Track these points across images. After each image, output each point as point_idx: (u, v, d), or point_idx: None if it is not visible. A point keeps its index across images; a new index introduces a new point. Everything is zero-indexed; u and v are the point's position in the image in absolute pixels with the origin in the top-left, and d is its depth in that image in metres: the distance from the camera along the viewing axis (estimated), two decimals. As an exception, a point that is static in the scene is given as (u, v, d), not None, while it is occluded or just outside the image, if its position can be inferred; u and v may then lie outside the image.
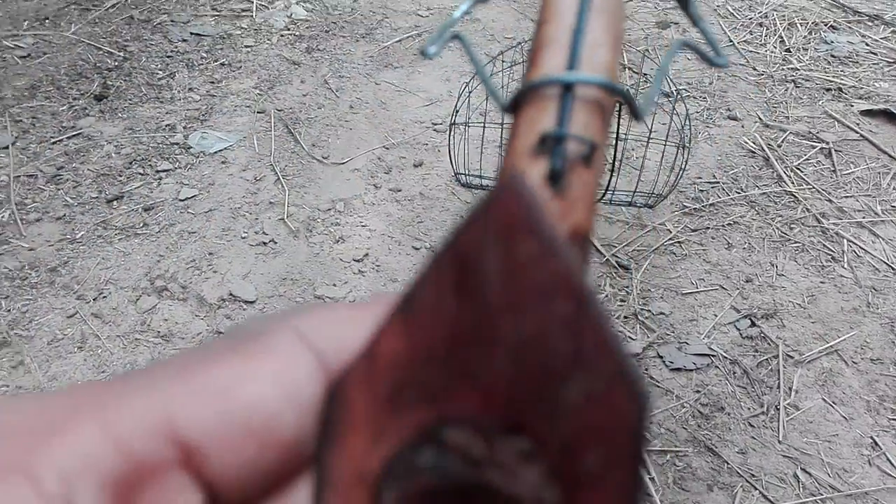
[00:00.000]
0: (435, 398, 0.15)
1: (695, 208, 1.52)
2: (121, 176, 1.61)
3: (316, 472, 0.16)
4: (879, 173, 1.61)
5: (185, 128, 1.75)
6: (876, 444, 1.13)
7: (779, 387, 1.20)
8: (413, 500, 0.15)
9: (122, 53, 2.01)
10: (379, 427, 0.16)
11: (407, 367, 0.15)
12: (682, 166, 1.29)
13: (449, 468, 0.15)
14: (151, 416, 0.15)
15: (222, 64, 1.98)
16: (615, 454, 0.14)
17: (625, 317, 1.32)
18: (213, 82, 1.92)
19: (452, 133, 1.42)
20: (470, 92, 1.37)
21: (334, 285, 1.38)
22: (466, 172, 1.45)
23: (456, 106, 1.40)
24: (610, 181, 1.30)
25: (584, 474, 0.14)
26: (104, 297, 1.36)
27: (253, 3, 2.23)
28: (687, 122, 1.28)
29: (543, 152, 0.17)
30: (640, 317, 1.32)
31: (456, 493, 0.15)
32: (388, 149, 1.70)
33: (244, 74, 1.94)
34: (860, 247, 1.44)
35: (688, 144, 1.25)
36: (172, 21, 2.17)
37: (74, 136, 1.72)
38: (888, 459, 1.11)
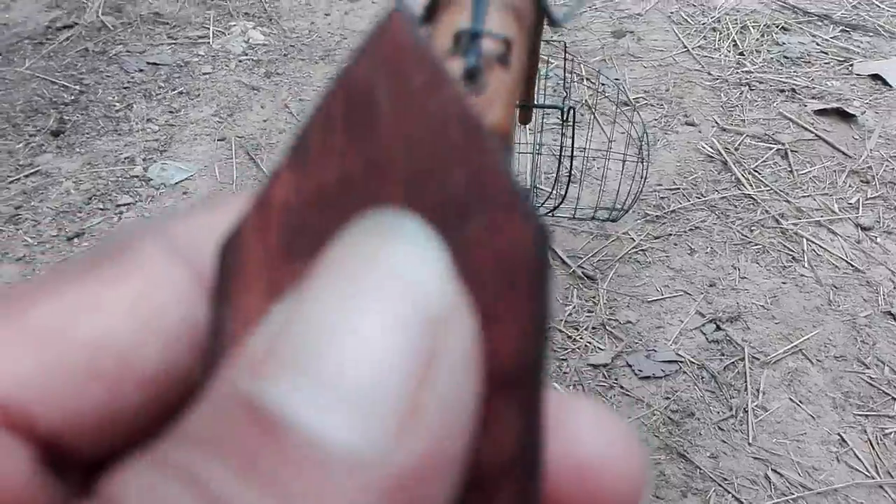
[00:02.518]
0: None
1: (657, 216, 1.54)
2: (81, 212, 1.60)
3: (210, 336, 0.15)
4: (835, 171, 1.64)
5: (144, 160, 1.74)
6: (843, 440, 1.15)
7: (746, 389, 1.22)
8: None
9: (77, 87, 1.99)
10: (273, 279, 0.15)
11: (300, 212, 0.15)
12: (642, 180, 1.30)
13: None
14: None
15: (180, 93, 1.97)
16: (517, 286, 0.14)
17: (593, 327, 1.33)
18: (171, 112, 1.90)
19: None
20: None
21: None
22: None
23: None
24: (566, 193, 1.31)
25: (488, 310, 0.14)
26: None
27: (209, 29, 2.22)
28: (645, 136, 1.30)
29: (459, 51, 0.17)
30: (607, 326, 1.33)
31: None
32: (350, 171, 1.70)
33: (203, 102, 1.93)
34: (819, 245, 1.46)
35: (646, 159, 1.26)
36: (128, 51, 2.15)
37: (32, 173, 1.70)
38: (855, 455, 1.12)
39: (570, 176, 1.27)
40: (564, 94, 1.29)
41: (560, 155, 1.34)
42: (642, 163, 1.26)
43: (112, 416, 0.14)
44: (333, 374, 0.11)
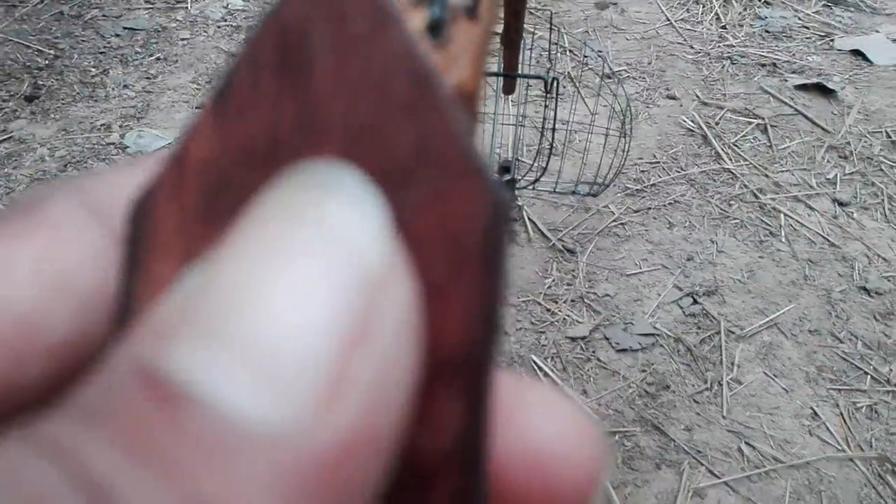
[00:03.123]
0: None
1: (636, 189, 1.54)
2: (56, 180, 1.57)
3: (118, 304, 0.13)
4: (813, 147, 1.65)
5: (121, 127, 1.71)
6: (815, 414, 1.17)
7: (721, 362, 1.23)
8: None
9: (52, 51, 1.94)
10: (190, 245, 0.13)
11: (222, 169, 0.13)
12: (624, 155, 1.30)
13: None
14: None
15: (158, 59, 1.93)
16: (467, 262, 0.12)
17: (572, 300, 1.34)
18: (148, 78, 1.87)
19: None
20: None
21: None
22: None
23: None
24: (548, 166, 1.30)
25: (433, 285, 0.12)
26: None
27: (187, -6, 2.18)
28: (628, 110, 1.29)
29: (424, 2, 0.16)
30: (586, 299, 1.33)
31: None
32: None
33: (181, 69, 1.90)
34: (796, 220, 1.48)
35: (629, 134, 1.26)
36: (104, 16, 2.10)
37: (5, 139, 1.66)
38: (827, 429, 1.15)
39: (551, 148, 1.26)
40: (549, 65, 1.28)
41: (542, 127, 1.33)
42: (624, 137, 1.26)
43: (11, 387, 0.12)
44: (248, 338, 0.09)
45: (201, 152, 0.13)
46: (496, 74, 0.93)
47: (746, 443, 1.13)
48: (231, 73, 0.13)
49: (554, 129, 1.20)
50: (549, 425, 0.13)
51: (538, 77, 0.98)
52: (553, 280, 1.37)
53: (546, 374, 1.22)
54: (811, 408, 1.17)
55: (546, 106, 1.58)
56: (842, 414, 1.16)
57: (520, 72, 1.06)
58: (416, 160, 0.12)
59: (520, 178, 1.39)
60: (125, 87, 1.83)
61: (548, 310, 1.32)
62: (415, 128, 0.12)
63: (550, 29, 1.27)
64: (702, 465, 1.10)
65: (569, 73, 1.83)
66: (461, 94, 0.16)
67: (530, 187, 1.36)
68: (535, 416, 0.13)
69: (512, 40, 0.86)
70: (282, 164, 0.12)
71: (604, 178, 1.30)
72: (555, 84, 0.96)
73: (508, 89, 1.11)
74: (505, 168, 1.28)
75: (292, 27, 0.13)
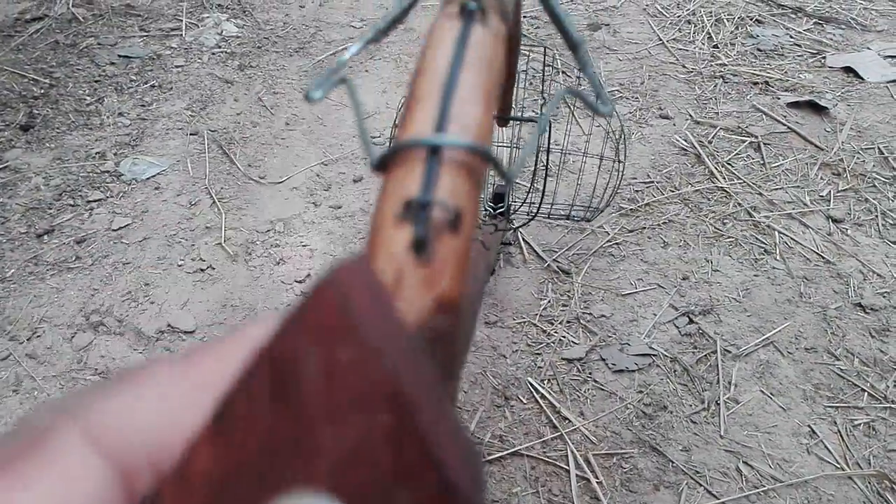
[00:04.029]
0: None
1: (631, 209, 1.54)
2: (51, 209, 1.57)
3: None
4: (807, 164, 1.66)
5: (115, 154, 1.71)
6: (813, 432, 1.16)
7: (718, 382, 1.23)
8: None
9: (47, 80, 1.96)
10: None
11: (222, 484, 0.14)
12: (619, 179, 1.30)
13: None
14: None
15: (152, 86, 1.95)
16: None
17: (568, 321, 1.33)
18: (143, 105, 1.88)
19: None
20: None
21: (276, 308, 1.37)
22: None
23: (393, 126, 1.37)
24: (542, 200, 1.30)
25: None
26: (38, 336, 1.32)
27: (182, 21, 2.19)
28: (623, 135, 1.30)
29: (408, 219, 0.16)
30: (582, 320, 1.33)
31: None
32: (326, 165, 1.69)
33: (175, 96, 1.91)
34: (791, 238, 1.48)
35: (623, 160, 1.26)
36: (100, 44, 2.12)
37: (1, 169, 1.67)
38: (825, 447, 1.14)
39: (545, 177, 1.26)
40: (543, 100, 1.28)
41: (535, 165, 1.33)
42: (619, 162, 1.26)
43: None
44: None
45: (203, 466, 0.14)
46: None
47: (745, 462, 1.12)
48: (229, 394, 0.14)
49: (548, 161, 1.20)
50: None
51: (532, 120, 0.99)
52: (548, 301, 1.37)
53: (543, 397, 1.21)
54: (809, 426, 1.16)
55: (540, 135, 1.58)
56: (839, 432, 1.15)
57: (514, 112, 1.07)
58: (395, 480, 0.13)
59: (516, 202, 1.40)
60: (120, 114, 1.84)
61: (543, 331, 1.32)
62: (395, 453, 0.13)
63: (545, 61, 1.27)
64: (700, 485, 1.09)
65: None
66: (444, 304, 0.16)
67: (528, 218, 1.36)
68: None
69: (505, 83, 0.87)
70: (275, 480, 0.13)
71: (598, 202, 1.30)
72: (548, 126, 0.97)
73: (502, 123, 1.12)
74: (499, 196, 1.29)
75: (286, 355, 0.14)
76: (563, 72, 1.94)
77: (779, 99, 1.85)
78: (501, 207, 1.27)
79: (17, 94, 1.91)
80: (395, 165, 0.18)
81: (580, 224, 1.50)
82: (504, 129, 1.50)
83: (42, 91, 1.92)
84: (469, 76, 0.19)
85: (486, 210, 1.28)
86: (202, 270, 1.43)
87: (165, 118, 1.83)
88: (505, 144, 1.60)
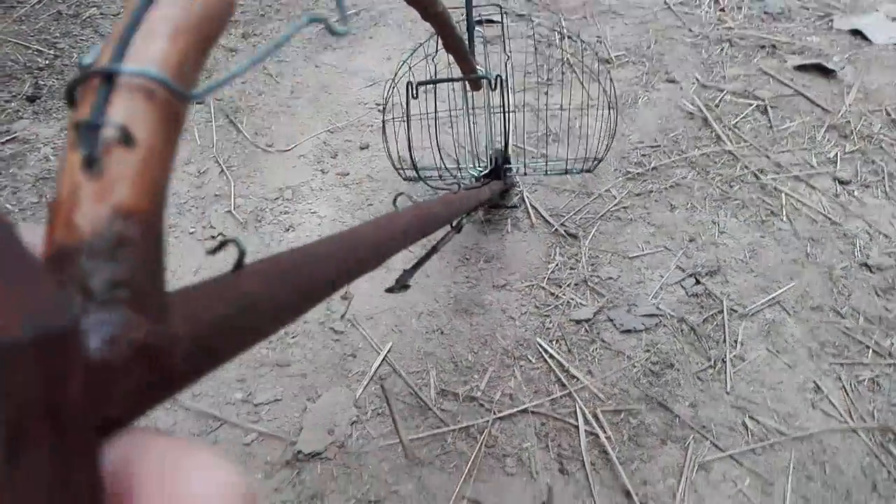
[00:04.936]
0: None
1: (638, 173, 1.55)
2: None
3: None
4: (813, 126, 1.65)
5: (123, 124, 1.72)
6: (818, 387, 1.18)
7: (725, 340, 1.24)
8: None
9: (52, 51, 1.96)
10: None
11: None
12: (613, 128, 1.30)
13: None
14: None
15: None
16: None
17: (575, 284, 1.35)
18: (149, 75, 1.88)
19: (386, 131, 1.37)
20: (394, 86, 1.31)
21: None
22: (406, 167, 1.40)
23: (384, 104, 1.36)
24: (506, 155, 1.31)
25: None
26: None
27: (185, -9, 2.18)
28: (611, 84, 1.30)
29: (80, 140, 0.18)
30: (589, 283, 1.34)
31: None
32: (332, 133, 1.69)
33: (181, 65, 1.91)
34: (797, 199, 1.48)
35: (615, 106, 1.27)
36: (102, 14, 2.11)
37: (9, 140, 1.68)
38: (830, 402, 1.15)
39: (506, 142, 1.25)
40: (507, 56, 1.28)
41: (506, 120, 1.34)
42: (612, 110, 1.26)
43: None
44: None
45: None
46: (443, 81, 0.96)
47: (750, 417, 1.14)
48: None
49: (508, 120, 1.20)
50: (199, 486, 0.15)
51: (482, 77, 0.99)
52: (556, 265, 1.38)
53: (552, 357, 1.23)
54: (814, 382, 1.18)
55: (545, 94, 1.58)
56: (844, 387, 1.17)
57: (479, 69, 1.08)
58: None
59: (514, 166, 1.40)
60: (127, 84, 1.84)
61: (552, 294, 1.33)
62: None
63: (535, 41, 1.27)
64: (706, 439, 1.11)
65: (567, 59, 1.84)
66: (126, 213, 0.17)
67: (522, 173, 1.37)
68: (191, 475, 0.15)
69: (451, 46, 0.88)
70: None
71: (595, 154, 1.31)
72: (498, 81, 0.98)
73: (474, 87, 1.13)
74: (499, 159, 1.30)
75: None
76: (568, 37, 1.93)
77: (786, 62, 1.84)
78: (507, 167, 1.29)
79: (21, 65, 1.91)
80: (80, 96, 0.19)
81: (587, 184, 1.51)
82: (507, 90, 1.50)
83: (47, 62, 1.92)
84: (159, 13, 0.20)
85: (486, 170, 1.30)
86: (213, 238, 1.45)
87: (172, 87, 1.83)
88: (506, 112, 1.61)
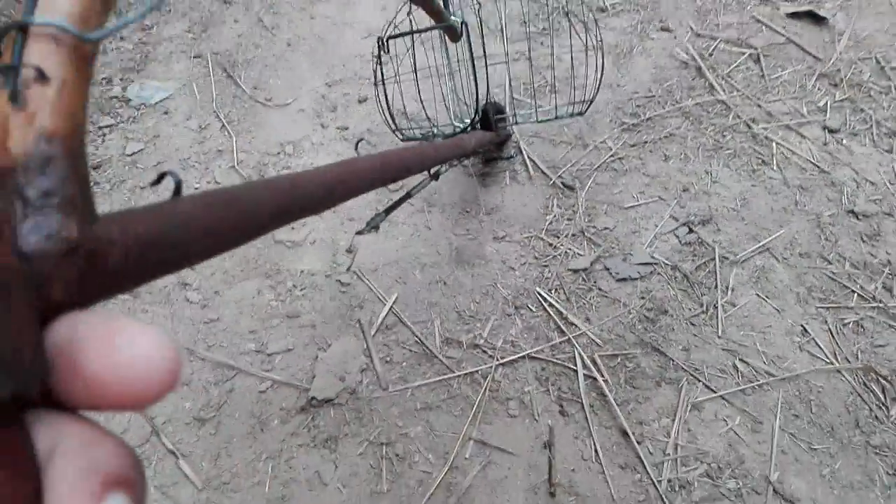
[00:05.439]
0: None
1: (633, 124, 1.58)
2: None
3: None
4: (805, 75, 1.68)
5: (122, 80, 1.72)
6: (805, 331, 1.24)
7: (716, 287, 1.29)
8: None
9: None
10: None
11: None
12: (600, 68, 1.31)
13: None
14: None
15: (150, 8, 1.93)
16: None
17: (573, 234, 1.39)
18: (143, 29, 1.87)
19: (379, 91, 1.36)
20: (383, 45, 1.31)
21: (293, 228, 1.42)
22: (402, 128, 1.41)
23: (374, 66, 1.34)
24: (478, 108, 1.33)
25: None
26: (64, 258, 1.37)
27: (175, -60, 2.15)
28: (595, 27, 1.31)
29: (6, 80, 0.21)
30: (586, 233, 1.39)
31: None
32: (330, 86, 1.71)
33: (175, 18, 1.90)
34: (788, 148, 1.52)
35: (599, 47, 1.29)
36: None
37: (8, 96, 1.68)
38: (817, 344, 1.22)
39: (476, 86, 1.27)
40: (477, 4, 1.30)
41: (486, 66, 1.35)
42: (599, 51, 1.28)
43: None
44: None
45: None
46: (411, 33, 0.99)
47: (741, 359, 1.20)
48: None
49: (481, 66, 1.22)
50: (137, 345, 0.18)
51: (445, 26, 1.01)
52: (554, 216, 1.42)
53: (551, 305, 1.28)
54: (801, 325, 1.24)
55: (530, 38, 1.59)
56: (830, 330, 1.23)
57: (451, 13, 1.10)
58: None
59: (510, 115, 1.42)
60: (121, 39, 1.84)
61: (550, 244, 1.38)
62: None
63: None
64: (699, 381, 1.17)
65: (563, 7, 1.84)
66: (53, 135, 0.21)
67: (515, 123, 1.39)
68: (127, 341, 0.18)
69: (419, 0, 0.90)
70: None
71: (584, 96, 1.33)
72: (464, 27, 1.01)
73: (453, 37, 1.14)
74: (488, 109, 1.32)
75: None
76: (563, -14, 1.93)
77: (778, 9, 1.86)
78: (500, 117, 1.32)
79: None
80: (3, 46, 0.23)
81: (583, 135, 1.54)
82: (503, 38, 1.51)
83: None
84: None
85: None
86: (218, 192, 1.47)
87: (167, 41, 1.83)
88: (501, 62, 1.62)
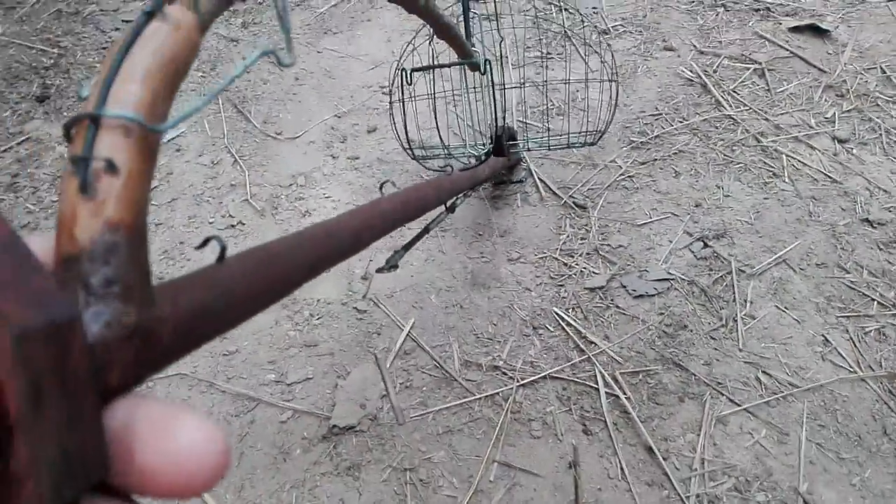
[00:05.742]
0: None
1: (641, 142, 1.59)
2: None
3: None
4: (811, 87, 1.69)
5: (134, 119, 1.75)
6: (827, 340, 1.22)
7: (734, 300, 1.29)
8: None
9: (56, 50, 1.98)
10: None
11: None
12: (614, 99, 1.33)
13: None
14: None
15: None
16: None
17: (587, 253, 1.39)
18: (154, 70, 1.90)
19: (394, 111, 1.39)
20: (401, 66, 1.34)
21: (306, 257, 1.42)
22: (415, 147, 1.42)
23: (390, 87, 1.38)
24: (501, 133, 1.34)
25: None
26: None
27: (182, -17, 2.20)
28: (612, 58, 1.33)
29: (77, 170, 0.22)
30: (601, 251, 1.39)
31: None
32: (339, 117, 1.73)
33: (185, 58, 1.93)
34: (798, 160, 1.52)
35: (614, 77, 1.30)
36: (102, 10, 2.13)
37: (23, 141, 1.71)
38: (839, 353, 1.21)
39: (495, 119, 1.28)
40: (500, 38, 1.32)
41: (504, 97, 1.37)
42: (614, 82, 1.29)
43: None
44: None
45: None
46: (436, 67, 1.01)
47: (763, 372, 1.19)
48: None
49: (501, 98, 1.24)
50: (187, 438, 0.18)
51: (469, 62, 1.03)
52: (567, 235, 1.42)
53: (569, 324, 1.27)
54: (822, 335, 1.23)
55: (545, 67, 1.61)
56: (852, 339, 1.22)
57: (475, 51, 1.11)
58: None
59: (522, 140, 1.43)
60: (133, 79, 1.87)
61: (565, 264, 1.38)
62: None
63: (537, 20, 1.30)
64: (722, 395, 1.16)
65: (565, 31, 1.87)
66: (115, 225, 0.22)
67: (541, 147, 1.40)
68: (181, 432, 0.19)
69: (442, 34, 0.92)
70: None
71: (596, 126, 1.34)
72: (487, 65, 1.03)
73: (474, 68, 1.16)
74: (502, 137, 1.33)
75: None
76: (564, 9, 1.96)
77: (780, 24, 1.87)
78: (514, 142, 1.33)
79: (27, 65, 1.93)
80: (75, 134, 0.24)
81: (593, 156, 1.55)
82: (509, 65, 1.52)
83: (52, 61, 1.95)
84: (133, 60, 0.24)
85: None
86: (232, 227, 1.49)
87: (178, 81, 1.86)
88: (514, 85, 1.64)
